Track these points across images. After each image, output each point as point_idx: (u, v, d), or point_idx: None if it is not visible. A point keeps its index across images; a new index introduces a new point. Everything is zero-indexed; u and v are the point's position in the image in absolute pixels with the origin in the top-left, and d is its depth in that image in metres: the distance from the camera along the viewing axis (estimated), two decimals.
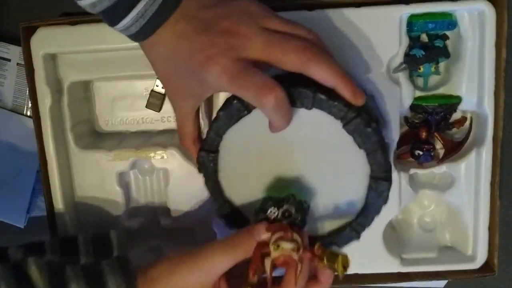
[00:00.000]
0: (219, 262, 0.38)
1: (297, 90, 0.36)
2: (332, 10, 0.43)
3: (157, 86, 0.51)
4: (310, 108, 0.37)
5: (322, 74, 0.35)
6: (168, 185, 0.49)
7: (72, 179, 0.49)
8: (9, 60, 0.54)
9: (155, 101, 0.52)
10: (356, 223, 0.41)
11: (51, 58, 0.46)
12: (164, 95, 0.51)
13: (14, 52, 0.53)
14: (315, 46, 0.35)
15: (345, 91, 0.35)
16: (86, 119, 0.51)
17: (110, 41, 0.44)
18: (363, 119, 0.36)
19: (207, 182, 0.42)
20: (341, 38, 0.43)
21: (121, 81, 0.51)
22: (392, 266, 0.48)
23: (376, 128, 0.37)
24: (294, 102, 0.36)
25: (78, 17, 0.44)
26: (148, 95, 0.52)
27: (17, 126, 0.55)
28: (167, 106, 0.52)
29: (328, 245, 0.41)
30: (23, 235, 0.55)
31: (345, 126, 0.37)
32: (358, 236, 0.42)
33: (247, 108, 0.38)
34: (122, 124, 0.53)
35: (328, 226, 0.42)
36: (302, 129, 0.39)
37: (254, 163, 0.41)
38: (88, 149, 0.49)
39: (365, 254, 0.47)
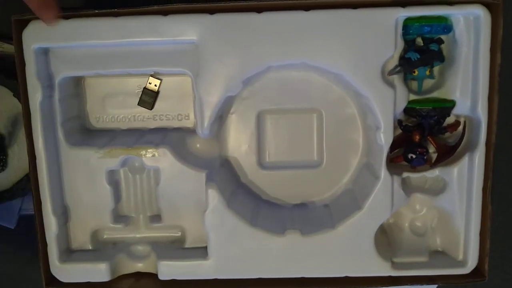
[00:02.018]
0: None
1: None
2: (328, 11, 0.43)
3: (149, 83, 0.51)
4: None
5: None
6: (158, 184, 0.49)
7: (61, 175, 0.48)
8: (3, 59, 0.53)
9: (147, 99, 0.51)
10: None
11: (43, 52, 0.45)
12: (156, 93, 0.51)
13: (8, 50, 0.53)
14: None
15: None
16: (76, 116, 0.50)
17: (103, 36, 0.44)
18: None
19: None
20: (337, 39, 0.43)
21: (113, 77, 0.50)
22: (383, 269, 0.48)
23: None
24: None
25: (72, 11, 0.43)
26: (141, 93, 0.51)
27: None
28: (159, 104, 0.51)
29: None
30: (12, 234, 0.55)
31: None
32: None
33: None
34: (113, 121, 0.52)
35: None
36: None
37: None
38: (78, 145, 0.48)
39: (356, 257, 0.47)
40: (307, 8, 0.43)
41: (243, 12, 0.43)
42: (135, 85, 0.51)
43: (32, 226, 0.55)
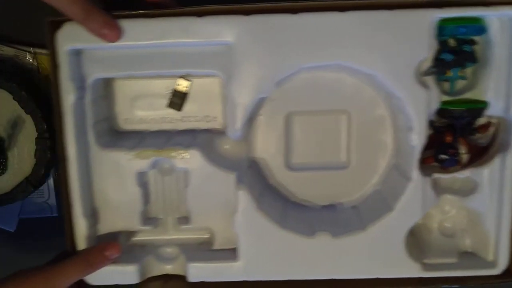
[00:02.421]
0: (70, 278, 0.43)
1: None
2: (364, 12, 0.43)
3: (179, 85, 0.51)
4: None
5: None
6: (188, 186, 0.49)
7: (91, 177, 0.48)
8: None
9: (177, 101, 0.51)
10: None
11: (76, 54, 0.45)
12: (186, 94, 0.51)
13: (8, 54, 0.54)
14: None
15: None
16: (105, 117, 0.50)
17: (138, 37, 0.44)
18: None
19: None
20: (372, 40, 0.43)
21: (142, 79, 0.50)
22: (414, 271, 0.48)
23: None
24: None
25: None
26: (170, 94, 0.51)
27: None
28: (188, 106, 0.51)
29: None
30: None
31: None
32: None
33: None
34: (142, 123, 0.52)
35: None
36: None
37: None
38: (108, 147, 0.48)
39: (387, 259, 0.47)
40: (342, 9, 0.43)
41: (278, 14, 0.43)
42: (164, 86, 0.51)
43: (31, 229, 0.56)
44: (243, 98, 0.45)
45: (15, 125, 0.52)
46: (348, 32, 0.43)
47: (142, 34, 0.44)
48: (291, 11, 0.43)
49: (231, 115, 0.46)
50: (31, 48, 0.54)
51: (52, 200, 0.57)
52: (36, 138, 0.51)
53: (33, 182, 0.52)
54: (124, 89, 0.51)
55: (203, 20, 0.43)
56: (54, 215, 0.58)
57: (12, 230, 0.56)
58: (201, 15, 0.44)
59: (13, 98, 0.51)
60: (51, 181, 0.56)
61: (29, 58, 0.54)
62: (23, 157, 0.53)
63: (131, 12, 0.43)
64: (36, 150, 0.52)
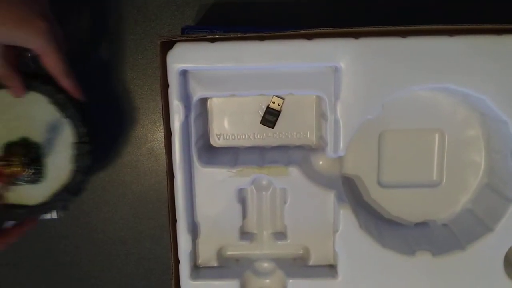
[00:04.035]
0: None
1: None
2: (473, 37, 0.43)
3: (273, 103, 0.51)
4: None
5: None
6: (286, 203, 0.50)
7: (194, 195, 0.49)
8: None
9: (270, 118, 0.52)
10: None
11: (183, 74, 0.46)
12: (279, 111, 0.52)
13: None
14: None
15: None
16: (201, 134, 0.51)
17: (247, 60, 0.44)
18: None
19: None
20: (481, 65, 0.44)
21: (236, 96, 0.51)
22: None
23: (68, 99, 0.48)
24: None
25: (219, 34, 0.44)
26: (264, 112, 0.52)
27: None
28: (280, 123, 0.52)
29: None
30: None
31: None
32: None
33: None
34: (234, 139, 0.53)
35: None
36: None
37: None
38: (209, 164, 0.49)
39: (486, 279, 0.48)
40: (451, 33, 0.44)
41: (387, 37, 0.44)
42: (256, 103, 0.52)
43: (31, 231, 0.56)
44: (349, 119, 0.45)
45: (51, 131, 0.50)
46: (458, 56, 0.44)
47: (253, 56, 0.44)
48: (401, 34, 0.44)
49: (335, 135, 0.46)
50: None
51: None
52: (74, 143, 0.49)
53: (71, 189, 0.50)
54: (218, 106, 0.52)
55: (313, 43, 0.44)
56: (54, 217, 0.60)
57: None
58: (311, 38, 0.44)
59: (50, 102, 0.49)
60: None
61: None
62: (60, 164, 0.50)
63: (244, 35, 0.44)
64: (74, 156, 0.49)
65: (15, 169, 0.47)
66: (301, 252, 0.52)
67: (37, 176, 0.50)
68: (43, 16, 0.43)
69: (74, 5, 0.57)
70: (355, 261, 0.48)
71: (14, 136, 0.49)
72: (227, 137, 0.53)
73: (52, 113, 0.49)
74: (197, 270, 0.50)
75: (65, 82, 0.46)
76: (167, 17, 0.57)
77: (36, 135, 0.50)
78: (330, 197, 0.49)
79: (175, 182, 0.47)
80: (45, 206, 0.50)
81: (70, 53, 0.47)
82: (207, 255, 0.51)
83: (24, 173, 0.48)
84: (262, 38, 0.44)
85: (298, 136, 0.53)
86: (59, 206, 0.51)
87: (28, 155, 0.48)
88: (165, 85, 0.45)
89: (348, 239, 0.47)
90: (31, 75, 0.48)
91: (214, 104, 0.52)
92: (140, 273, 0.63)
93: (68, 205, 0.54)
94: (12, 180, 0.48)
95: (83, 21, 0.57)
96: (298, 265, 0.51)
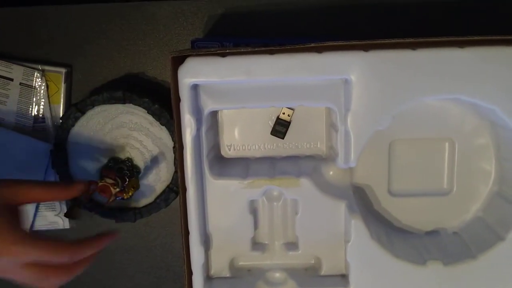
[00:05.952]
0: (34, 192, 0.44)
1: None
2: (484, 48, 0.43)
3: (283, 114, 0.52)
4: None
5: None
6: (298, 214, 0.50)
7: (206, 207, 0.49)
8: (11, 79, 0.55)
9: (280, 129, 0.52)
10: None
11: (194, 88, 0.46)
12: (289, 122, 0.52)
13: (16, 72, 0.55)
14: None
15: None
16: (212, 146, 0.52)
17: (257, 73, 0.45)
18: None
19: None
20: (492, 76, 0.44)
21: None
22: None
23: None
24: None
25: (229, 48, 0.44)
26: (274, 123, 0.52)
27: (22, 146, 0.56)
28: (290, 133, 0.52)
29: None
30: None
31: None
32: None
33: None
34: (244, 150, 0.53)
35: None
36: None
37: None
38: (221, 176, 0.49)
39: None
40: (461, 44, 0.44)
41: (397, 49, 0.44)
42: (267, 114, 0.52)
43: None
44: (360, 131, 0.46)
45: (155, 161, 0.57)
46: (468, 67, 0.44)
47: (264, 70, 0.45)
48: (411, 46, 0.44)
49: (345, 146, 0.47)
50: (39, 66, 0.56)
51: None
52: (173, 147, 0.55)
53: (175, 189, 0.56)
54: (228, 118, 0.52)
55: (323, 57, 0.44)
56: (66, 227, 0.61)
57: None
58: (321, 51, 0.44)
59: (148, 112, 0.54)
60: None
61: (37, 75, 0.55)
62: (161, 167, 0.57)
63: (254, 49, 0.44)
64: (174, 159, 0.55)
65: (118, 190, 0.53)
66: (313, 262, 0.52)
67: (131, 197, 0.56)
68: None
69: (82, 17, 0.57)
70: (367, 271, 0.48)
71: (120, 152, 0.57)
72: (238, 148, 0.53)
73: (148, 122, 0.56)
74: (210, 281, 0.50)
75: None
76: (176, 28, 0.57)
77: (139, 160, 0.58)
78: (341, 207, 0.49)
79: (187, 195, 0.47)
80: (152, 206, 0.58)
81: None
82: (219, 266, 0.51)
83: (124, 196, 0.54)
84: (272, 52, 0.44)
85: (308, 146, 0.53)
86: (163, 205, 0.57)
87: (130, 179, 0.55)
88: (176, 100, 0.46)
89: (360, 249, 0.48)
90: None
91: (225, 115, 0.52)
92: (152, 282, 0.63)
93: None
94: (114, 199, 0.53)
95: (91, 33, 0.57)
96: (309, 275, 0.51)
